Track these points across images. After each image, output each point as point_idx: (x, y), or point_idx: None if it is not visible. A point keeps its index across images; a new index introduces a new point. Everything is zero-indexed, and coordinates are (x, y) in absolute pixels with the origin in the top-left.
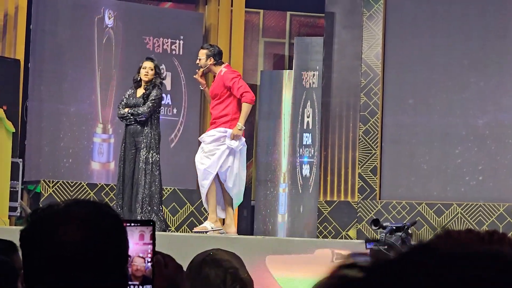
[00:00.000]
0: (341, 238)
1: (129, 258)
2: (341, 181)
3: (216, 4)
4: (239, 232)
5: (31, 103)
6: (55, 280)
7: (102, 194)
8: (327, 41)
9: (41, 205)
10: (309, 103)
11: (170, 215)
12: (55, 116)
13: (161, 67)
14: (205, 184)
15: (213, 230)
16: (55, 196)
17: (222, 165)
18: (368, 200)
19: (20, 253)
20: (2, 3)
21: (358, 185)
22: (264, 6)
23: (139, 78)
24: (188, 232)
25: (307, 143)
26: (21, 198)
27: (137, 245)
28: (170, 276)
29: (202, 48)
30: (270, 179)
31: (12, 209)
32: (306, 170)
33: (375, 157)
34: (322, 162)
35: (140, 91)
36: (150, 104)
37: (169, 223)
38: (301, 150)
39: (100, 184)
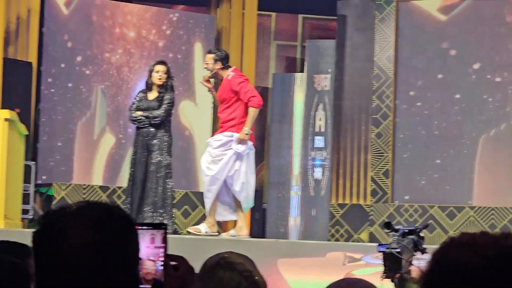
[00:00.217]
0: (353, 241)
1: (139, 261)
2: (353, 184)
3: (228, 7)
4: (251, 235)
5: (44, 106)
6: (66, 282)
7: (114, 197)
8: (339, 44)
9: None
10: (321, 106)
11: (182, 218)
12: (68, 119)
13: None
14: (212, 189)
15: (207, 235)
16: (68, 198)
17: (229, 170)
18: (380, 203)
19: None
20: (14, 6)
21: (370, 188)
22: (276, 9)
23: (151, 82)
24: (200, 235)
25: (319, 146)
26: (34, 201)
27: (148, 248)
28: (181, 277)
29: (209, 52)
30: (282, 182)
31: (24, 211)
32: (318, 173)
33: (387, 160)
34: (334, 165)
35: (152, 95)
36: (166, 107)
37: (181, 225)
38: (313, 153)
39: (112, 187)
